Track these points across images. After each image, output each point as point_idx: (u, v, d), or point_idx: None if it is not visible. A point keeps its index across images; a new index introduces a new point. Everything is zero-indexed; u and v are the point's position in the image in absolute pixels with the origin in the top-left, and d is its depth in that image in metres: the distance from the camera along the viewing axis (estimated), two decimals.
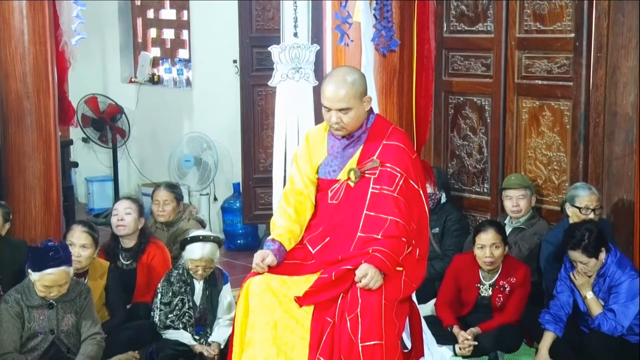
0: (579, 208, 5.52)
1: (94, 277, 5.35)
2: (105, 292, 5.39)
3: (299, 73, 5.84)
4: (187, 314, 5.33)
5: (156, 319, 5.32)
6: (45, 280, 4.74)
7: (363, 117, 4.32)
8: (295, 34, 5.87)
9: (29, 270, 4.79)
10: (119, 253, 5.76)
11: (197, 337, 5.33)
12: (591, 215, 5.47)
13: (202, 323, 5.38)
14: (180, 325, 5.32)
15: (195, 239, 5.33)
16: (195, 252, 5.28)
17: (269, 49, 5.91)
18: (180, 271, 5.38)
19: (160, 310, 5.32)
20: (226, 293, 5.41)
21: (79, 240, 5.29)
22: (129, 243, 5.77)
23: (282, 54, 5.81)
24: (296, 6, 5.86)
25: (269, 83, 5.95)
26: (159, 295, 5.34)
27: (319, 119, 4.68)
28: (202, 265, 5.29)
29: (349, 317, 4.01)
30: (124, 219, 5.73)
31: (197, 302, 5.36)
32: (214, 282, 5.39)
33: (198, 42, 8.66)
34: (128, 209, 5.73)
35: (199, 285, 5.37)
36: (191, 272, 5.33)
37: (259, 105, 7.36)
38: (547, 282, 5.57)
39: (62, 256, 4.74)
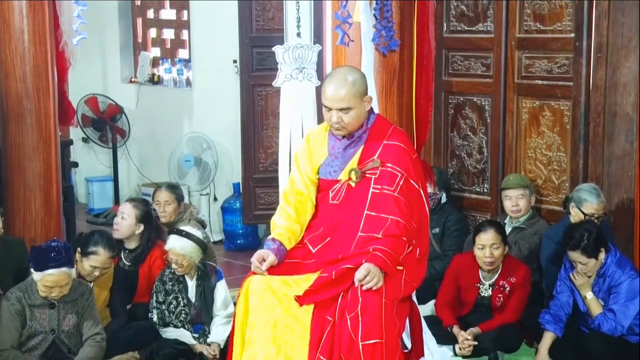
0: (585, 213, 5.48)
1: (103, 285, 5.34)
2: (110, 292, 5.38)
3: (302, 73, 5.83)
4: (183, 311, 5.34)
5: (154, 318, 5.34)
6: (46, 281, 4.74)
7: (363, 117, 4.32)
8: (298, 34, 5.86)
9: (32, 270, 4.80)
10: (121, 253, 5.74)
11: (196, 336, 5.34)
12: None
13: (200, 321, 5.38)
14: (179, 324, 5.33)
15: (173, 231, 5.43)
16: (167, 243, 5.34)
17: (273, 49, 5.89)
18: (172, 269, 5.38)
19: (158, 309, 5.34)
20: (220, 289, 5.40)
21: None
22: (130, 244, 5.76)
23: (286, 54, 5.80)
24: (299, 6, 5.85)
25: (273, 84, 5.94)
26: (154, 296, 5.36)
27: (321, 119, 4.68)
28: (173, 258, 5.30)
29: (349, 316, 4.01)
30: (118, 222, 5.71)
31: (192, 299, 5.36)
32: (206, 279, 5.39)
33: (198, 42, 8.66)
34: (123, 213, 5.71)
35: (191, 283, 5.38)
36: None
37: (259, 105, 7.36)
38: (548, 282, 5.56)
39: (63, 257, 4.74)
